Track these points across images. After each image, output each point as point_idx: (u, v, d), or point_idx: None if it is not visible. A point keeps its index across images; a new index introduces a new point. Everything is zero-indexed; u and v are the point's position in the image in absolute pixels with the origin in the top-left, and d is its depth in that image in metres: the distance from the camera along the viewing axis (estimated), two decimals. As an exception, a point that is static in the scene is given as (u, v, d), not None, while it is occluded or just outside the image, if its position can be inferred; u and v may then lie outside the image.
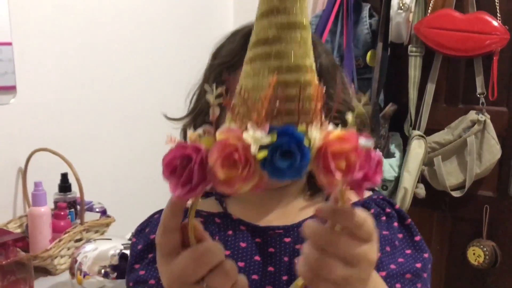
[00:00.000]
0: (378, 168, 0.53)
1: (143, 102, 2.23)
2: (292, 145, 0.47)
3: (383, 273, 0.82)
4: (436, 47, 2.20)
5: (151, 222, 0.95)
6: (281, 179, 0.48)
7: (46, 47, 1.85)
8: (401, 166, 2.28)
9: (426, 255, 0.89)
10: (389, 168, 2.28)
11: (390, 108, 2.33)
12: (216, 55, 0.93)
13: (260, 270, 0.85)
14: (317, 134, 0.50)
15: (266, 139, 0.48)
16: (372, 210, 0.91)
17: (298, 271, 0.58)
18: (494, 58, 2.11)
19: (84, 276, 1.48)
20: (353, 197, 0.56)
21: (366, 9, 2.33)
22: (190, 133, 0.52)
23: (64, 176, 1.77)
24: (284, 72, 0.52)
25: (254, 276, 0.84)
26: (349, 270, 0.55)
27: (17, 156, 1.77)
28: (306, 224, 0.57)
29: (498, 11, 2.11)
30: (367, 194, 0.96)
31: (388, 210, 0.92)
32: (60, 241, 1.63)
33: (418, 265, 0.87)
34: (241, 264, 0.85)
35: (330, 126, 0.52)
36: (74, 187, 1.75)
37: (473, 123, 2.17)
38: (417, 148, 2.23)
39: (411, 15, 2.23)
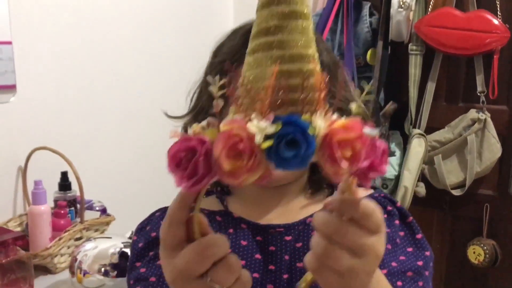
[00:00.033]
0: (384, 157, 0.53)
1: (143, 101, 2.23)
2: (297, 134, 0.47)
3: (384, 271, 0.81)
4: (436, 46, 2.20)
5: (152, 220, 0.95)
6: (286, 169, 0.48)
7: (46, 46, 1.85)
8: (401, 165, 2.28)
9: (427, 253, 0.89)
10: (389, 166, 2.27)
11: (390, 106, 2.32)
12: (216, 53, 0.93)
13: (260, 269, 0.85)
14: (322, 123, 0.49)
15: (271, 129, 0.48)
16: None
17: (305, 262, 0.57)
18: (495, 56, 2.11)
19: (84, 274, 1.48)
20: (360, 193, 0.55)
21: (366, 7, 2.33)
22: (194, 126, 0.52)
23: (64, 175, 1.77)
24: (287, 61, 0.51)
25: (255, 275, 0.84)
26: (355, 261, 0.54)
27: (17, 155, 1.77)
28: (315, 215, 0.57)
29: (498, 9, 2.11)
30: (369, 192, 0.95)
31: (389, 208, 0.92)
32: (60, 239, 1.63)
33: (420, 263, 0.87)
34: (242, 262, 0.85)
35: (334, 116, 0.51)
36: (74, 186, 1.75)
37: (474, 121, 2.17)
38: (417, 147, 2.22)
39: (411, 13, 2.23)
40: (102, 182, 2.03)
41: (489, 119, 2.15)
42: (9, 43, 1.71)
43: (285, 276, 0.85)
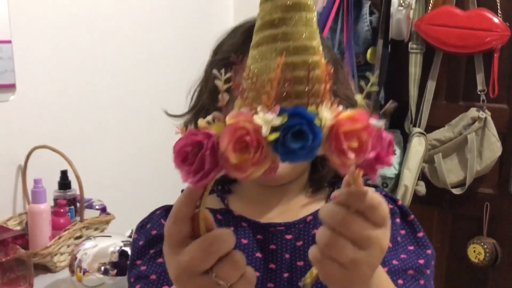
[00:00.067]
0: (390, 148, 0.52)
1: (143, 99, 2.22)
2: (303, 125, 0.47)
3: (385, 269, 0.81)
4: (436, 44, 2.19)
5: (152, 219, 0.95)
6: (293, 161, 0.47)
7: (45, 45, 1.84)
8: (401, 164, 2.28)
9: (429, 251, 0.89)
10: (389, 165, 2.27)
11: (390, 105, 2.32)
12: (217, 51, 0.93)
13: (261, 267, 0.85)
14: (328, 114, 0.49)
15: (277, 121, 0.47)
16: None
17: (309, 254, 0.57)
18: (495, 55, 2.11)
19: (83, 273, 1.47)
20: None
21: (366, 6, 2.33)
22: (199, 121, 0.51)
23: (64, 174, 1.77)
24: (291, 53, 0.51)
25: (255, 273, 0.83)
26: (358, 253, 0.54)
27: (17, 154, 1.76)
28: (322, 207, 0.57)
29: (499, 8, 2.11)
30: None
31: (390, 206, 0.91)
32: (59, 238, 1.62)
33: (421, 261, 0.86)
34: None
35: (340, 107, 0.51)
36: (74, 184, 1.75)
37: (474, 120, 2.17)
38: (418, 146, 2.22)
39: (411, 12, 2.22)
40: (102, 181, 2.03)
41: (489, 118, 2.15)
42: (9, 42, 1.70)
43: (286, 275, 0.85)
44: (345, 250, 0.54)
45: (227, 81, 0.51)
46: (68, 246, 1.67)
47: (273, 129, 0.47)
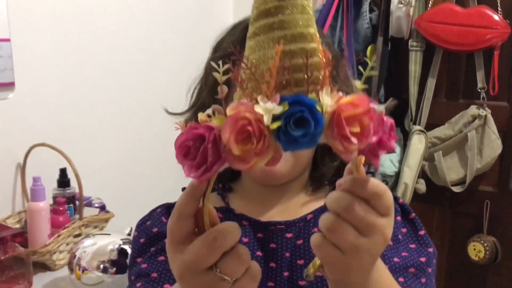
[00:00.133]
0: (392, 132, 0.52)
1: (143, 97, 2.22)
2: (305, 112, 0.46)
3: (386, 267, 0.81)
4: (436, 42, 2.19)
5: (153, 216, 0.95)
6: (296, 149, 0.47)
7: (44, 43, 1.84)
8: (401, 161, 2.27)
9: (430, 249, 0.88)
10: (389, 163, 2.27)
11: (390, 103, 2.32)
12: (217, 48, 0.93)
13: (261, 266, 0.84)
14: (329, 100, 0.49)
15: (278, 109, 0.47)
16: None
17: (311, 240, 0.56)
18: (495, 52, 2.10)
19: (83, 271, 1.47)
20: None
21: (366, 3, 2.32)
22: (200, 115, 0.51)
23: (63, 171, 1.76)
24: (289, 41, 0.51)
25: (256, 272, 0.83)
26: (360, 239, 0.54)
27: (16, 151, 1.76)
28: (328, 194, 0.56)
29: (499, 5, 2.10)
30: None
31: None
32: (59, 236, 1.62)
33: (423, 259, 0.86)
34: None
35: (340, 93, 0.51)
36: (73, 182, 1.75)
37: (474, 118, 2.17)
38: (418, 143, 2.22)
39: (411, 9, 2.22)
40: (101, 179, 2.03)
41: (489, 116, 2.15)
42: (8, 40, 1.70)
43: (286, 273, 0.84)
44: (346, 234, 0.54)
45: (226, 73, 0.51)
46: (67, 244, 1.67)
47: (275, 118, 0.47)
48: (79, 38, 1.95)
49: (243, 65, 0.51)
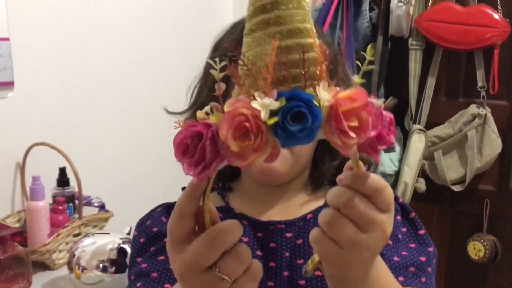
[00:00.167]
0: (392, 127, 0.52)
1: (142, 96, 2.22)
2: (302, 107, 0.46)
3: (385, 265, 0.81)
4: (436, 40, 2.19)
5: (152, 216, 0.95)
6: (294, 144, 0.47)
7: (43, 42, 1.84)
8: (401, 161, 2.27)
9: (430, 249, 0.88)
10: (389, 162, 2.27)
11: (390, 102, 2.31)
12: (216, 47, 0.93)
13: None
14: (326, 94, 0.49)
15: (275, 105, 0.47)
16: None
17: (310, 235, 0.56)
18: (495, 51, 2.10)
19: (82, 270, 1.47)
20: None
21: (366, 2, 2.32)
22: (198, 113, 0.51)
23: (62, 171, 1.76)
24: (285, 37, 0.51)
25: (256, 272, 0.83)
26: (359, 234, 0.53)
27: (15, 151, 1.76)
28: (329, 190, 0.56)
29: (499, 3, 2.10)
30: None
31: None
32: (58, 235, 1.62)
33: (423, 258, 0.86)
34: None
35: (337, 88, 0.50)
36: (72, 182, 1.74)
37: (474, 117, 2.16)
38: (418, 142, 2.22)
39: (411, 8, 2.22)
40: (100, 178, 2.02)
41: (489, 114, 2.15)
42: (7, 39, 1.70)
43: (286, 273, 0.84)
44: (346, 230, 0.53)
45: (224, 71, 0.50)
46: (67, 243, 1.67)
47: (272, 114, 0.47)
48: (78, 37, 1.95)
49: (240, 62, 0.51)
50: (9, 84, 1.72)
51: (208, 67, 0.92)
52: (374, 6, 2.33)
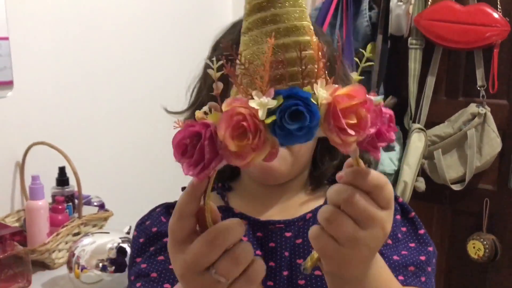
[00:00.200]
0: (391, 123, 0.52)
1: (142, 96, 2.21)
2: (299, 105, 0.46)
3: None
4: (436, 40, 2.19)
5: (152, 216, 0.94)
6: (293, 143, 0.47)
7: (43, 41, 1.84)
8: (401, 160, 2.27)
9: (430, 248, 0.88)
10: (389, 161, 2.27)
11: (389, 101, 2.31)
12: (216, 47, 0.93)
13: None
14: (324, 92, 0.49)
15: (272, 103, 0.47)
16: None
17: (309, 232, 0.56)
18: (495, 50, 2.10)
19: (81, 269, 1.47)
20: None
21: (365, 1, 2.32)
22: (196, 113, 0.51)
23: (62, 170, 1.76)
24: (282, 35, 0.51)
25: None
26: (359, 231, 0.53)
27: (15, 150, 1.76)
28: (329, 188, 0.56)
29: (498, 3, 2.10)
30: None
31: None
32: (57, 235, 1.62)
33: (422, 258, 0.86)
34: None
35: (335, 86, 0.50)
36: (72, 181, 1.74)
37: (474, 116, 2.16)
38: (417, 142, 2.22)
39: (411, 7, 2.22)
40: (100, 177, 2.02)
41: (489, 114, 2.15)
42: (6, 39, 1.70)
43: (285, 273, 0.84)
44: (345, 226, 0.53)
45: (222, 71, 0.50)
46: (66, 242, 1.67)
47: (270, 113, 0.47)
48: (78, 37, 1.95)
49: (237, 61, 0.51)
50: (9, 84, 1.72)
51: (207, 67, 0.92)
52: (374, 5, 2.33)
